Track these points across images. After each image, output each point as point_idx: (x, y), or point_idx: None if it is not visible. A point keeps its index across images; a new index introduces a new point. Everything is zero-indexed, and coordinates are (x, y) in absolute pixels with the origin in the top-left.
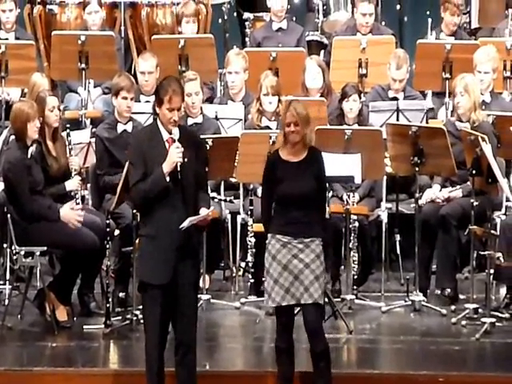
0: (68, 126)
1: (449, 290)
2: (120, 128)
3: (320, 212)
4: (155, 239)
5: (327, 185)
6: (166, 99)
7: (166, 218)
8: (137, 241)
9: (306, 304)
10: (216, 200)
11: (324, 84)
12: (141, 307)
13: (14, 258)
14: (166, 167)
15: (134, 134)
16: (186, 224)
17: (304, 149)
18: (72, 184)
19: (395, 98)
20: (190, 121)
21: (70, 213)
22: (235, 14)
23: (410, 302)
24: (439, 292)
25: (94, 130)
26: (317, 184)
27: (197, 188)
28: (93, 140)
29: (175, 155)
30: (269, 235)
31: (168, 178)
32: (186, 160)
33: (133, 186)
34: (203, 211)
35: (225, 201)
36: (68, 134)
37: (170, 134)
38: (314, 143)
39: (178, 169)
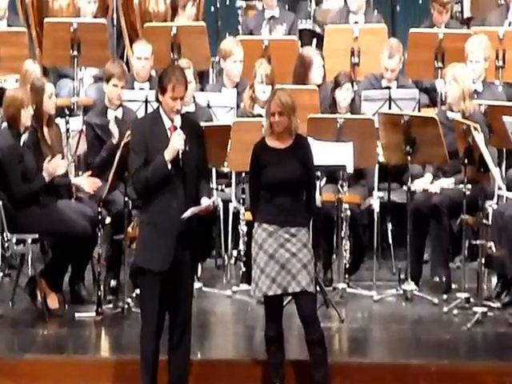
0: (67, 113)
1: (444, 278)
2: (110, 114)
3: (308, 200)
4: (156, 226)
5: (317, 173)
6: (169, 87)
7: (166, 205)
8: (129, 228)
9: (297, 293)
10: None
11: None
12: (132, 295)
13: (6, 245)
14: (168, 154)
15: (135, 121)
16: (187, 214)
17: (290, 136)
18: (79, 181)
19: (388, 87)
20: (183, 109)
21: (51, 165)
22: (227, 1)
23: (401, 291)
24: (437, 279)
25: (85, 117)
26: (304, 170)
27: (198, 176)
28: (84, 128)
29: (177, 142)
30: (255, 224)
31: (169, 165)
32: (187, 148)
33: (134, 172)
34: (205, 201)
35: (216, 189)
36: (67, 122)
37: (173, 121)
38: (307, 131)
39: (180, 156)
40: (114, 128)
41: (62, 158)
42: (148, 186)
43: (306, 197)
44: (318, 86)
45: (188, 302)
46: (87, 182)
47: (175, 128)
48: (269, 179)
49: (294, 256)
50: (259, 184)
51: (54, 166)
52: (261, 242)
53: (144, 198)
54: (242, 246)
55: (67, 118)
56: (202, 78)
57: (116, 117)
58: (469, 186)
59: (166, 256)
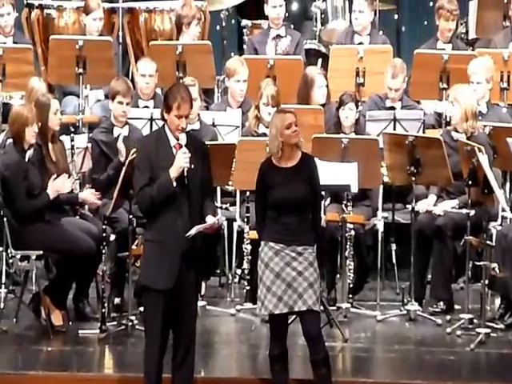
0: (72, 130)
1: (441, 304)
2: (116, 132)
3: (314, 220)
4: (160, 244)
5: (323, 193)
6: (174, 106)
7: (171, 223)
8: (133, 246)
9: (302, 311)
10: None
11: None
12: (136, 312)
13: (10, 261)
14: (173, 172)
15: (140, 139)
16: (192, 232)
17: (297, 153)
18: (85, 195)
19: (392, 108)
20: (188, 127)
21: (56, 184)
22: (232, 21)
23: (405, 312)
24: (433, 307)
25: (90, 134)
26: (310, 189)
27: (203, 194)
28: (89, 145)
29: (182, 160)
30: (262, 242)
31: (175, 184)
32: (192, 166)
33: (139, 190)
34: (210, 219)
35: (221, 208)
36: (72, 139)
37: (178, 139)
38: (311, 151)
39: (185, 174)
40: (121, 146)
41: (68, 177)
42: (153, 204)
43: (312, 216)
44: (323, 105)
45: (192, 320)
46: (91, 194)
47: (180, 146)
48: (276, 199)
49: (300, 275)
50: (266, 203)
51: (60, 185)
52: (267, 260)
53: (149, 216)
54: (246, 265)
55: (72, 135)
56: (207, 96)
57: (121, 134)
58: (473, 208)
59: (171, 274)
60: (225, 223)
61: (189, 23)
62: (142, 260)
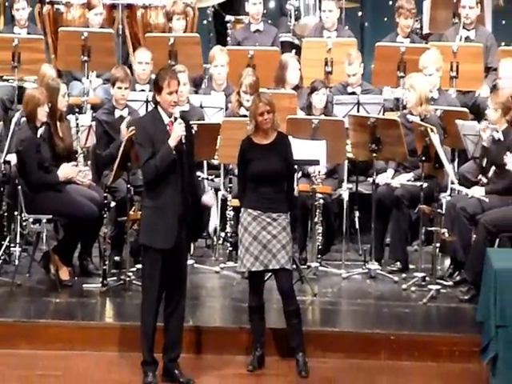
0: (77, 110)
1: (398, 264)
2: (117, 113)
3: (288, 190)
4: (159, 210)
5: (296, 167)
6: (165, 85)
7: (170, 191)
8: (131, 211)
9: (276, 269)
10: (200, 178)
11: None
12: (133, 269)
13: (24, 224)
14: (172, 141)
15: (138, 120)
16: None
17: (273, 132)
18: (64, 171)
19: (353, 93)
20: (178, 109)
21: (66, 169)
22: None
23: (366, 270)
24: (390, 267)
25: (94, 114)
26: (285, 164)
27: (192, 167)
28: (93, 123)
29: (179, 130)
30: (242, 209)
31: (174, 152)
32: (185, 141)
33: (144, 163)
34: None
35: (207, 179)
36: (77, 118)
37: (170, 117)
38: (286, 130)
39: (183, 141)
40: (123, 127)
41: (74, 151)
42: (158, 172)
43: (286, 187)
44: (296, 88)
45: (183, 276)
46: (71, 170)
47: (176, 119)
48: (254, 171)
49: (274, 238)
50: (246, 175)
51: (69, 172)
52: (246, 224)
53: (150, 185)
54: (228, 229)
55: (77, 115)
56: (196, 83)
57: (121, 115)
58: (426, 181)
59: (169, 236)
60: (211, 192)
61: (170, 18)
62: (142, 224)
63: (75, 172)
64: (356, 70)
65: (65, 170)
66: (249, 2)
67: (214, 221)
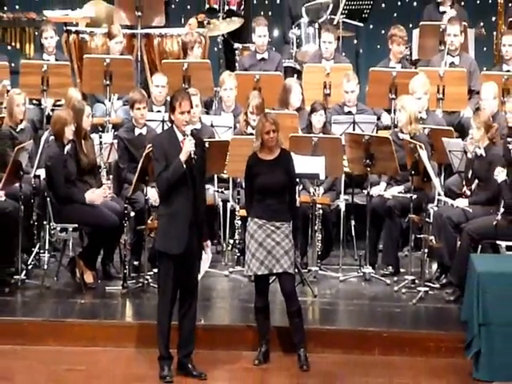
0: (100, 129)
1: (390, 268)
2: (137, 131)
3: (290, 201)
4: (172, 217)
5: (297, 180)
6: (177, 105)
7: (181, 201)
8: (149, 220)
9: (279, 273)
10: (211, 191)
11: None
12: (151, 273)
13: (52, 232)
14: (183, 156)
15: (155, 137)
16: (201, 274)
17: (277, 149)
18: (92, 197)
19: (350, 112)
20: (190, 127)
21: (93, 196)
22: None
23: (361, 274)
24: (383, 270)
25: (115, 133)
26: (287, 178)
27: (202, 180)
28: (115, 141)
29: (189, 146)
30: (249, 218)
31: (184, 166)
32: (196, 157)
33: (158, 175)
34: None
35: (217, 191)
36: (100, 136)
37: (184, 134)
38: (289, 147)
39: (192, 155)
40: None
41: (97, 166)
42: (169, 184)
43: (288, 198)
44: (298, 109)
45: (195, 279)
46: (97, 196)
47: (187, 136)
48: (260, 184)
49: (278, 244)
50: (252, 188)
51: (95, 198)
52: (252, 232)
53: (164, 195)
54: (237, 236)
55: (100, 133)
56: (208, 105)
57: (141, 133)
58: (415, 192)
59: (181, 242)
60: (220, 203)
61: (192, 47)
62: (158, 231)
63: (100, 199)
64: (353, 87)
65: (92, 197)
66: (255, 33)
67: (204, 268)
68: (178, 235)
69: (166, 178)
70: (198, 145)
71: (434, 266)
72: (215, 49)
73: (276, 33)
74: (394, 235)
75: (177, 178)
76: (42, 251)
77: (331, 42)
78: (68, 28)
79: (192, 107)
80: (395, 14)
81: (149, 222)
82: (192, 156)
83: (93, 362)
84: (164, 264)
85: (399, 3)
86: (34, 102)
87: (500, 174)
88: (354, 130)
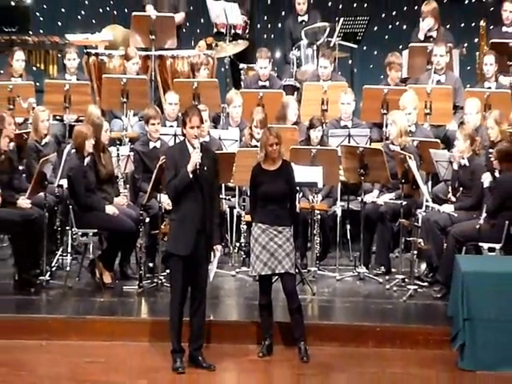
0: (117, 143)
1: (382, 268)
2: (151, 145)
3: (291, 208)
4: (181, 222)
5: (298, 188)
6: (188, 120)
7: (190, 208)
8: (162, 226)
9: (281, 273)
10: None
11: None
12: (164, 274)
13: (74, 237)
14: (189, 167)
15: (168, 148)
16: (212, 275)
17: (279, 160)
18: (112, 209)
19: (346, 126)
20: (201, 139)
21: (113, 208)
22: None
23: (356, 273)
24: (376, 270)
25: (131, 146)
26: (288, 187)
27: (212, 188)
28: (131, 153)
29: (195, 157)
30: (253, 223)
31: (191, 175)
32: (205, 167)
33: (168, 183)
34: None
35: (225, 199)
36: (117, 149)
37: (193, 146)
38: (289, 158)
39: (197, 166)
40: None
41: (115, 176)
42: (176, 191)
43: (289, 205)
44: (296, 123)
45: (204, 279)
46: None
47: (195, 148)
48: (263, 192)
49: (280, 247)
50: (257, 196)
51: (113, 211)
52: (256, 236)
53: (175, 201)
54: (242, 240)
55: (118, 146)
56: (215, 120)
57: (155, 147)
58: (405, 199)
59: (188, 244)
60: (227, 210)
61: (198, 68)
62: (169, 234)
63: (118, 211)
64: (349, 100)
65: (112, 209)
66: (257, 65)
67: (213, 270)
68: (186, 238)
69: (174, 185)
70: (208, 157)
71: (423, 266)
72: (222, 69)
73: (278, 54)
74: (386, 238)
75: (184, 185)
76: (64, 254)
77: (327, 66)
78: (88, 50)
79: (202, 122)
80: (386, 37)
81: (162, 227)
82: (197, 167)
83: (111, 355)
84: (173, 264)
85: (390, 26)
86: (57, 118)
87: (486, 180)
88: (349, 142)
